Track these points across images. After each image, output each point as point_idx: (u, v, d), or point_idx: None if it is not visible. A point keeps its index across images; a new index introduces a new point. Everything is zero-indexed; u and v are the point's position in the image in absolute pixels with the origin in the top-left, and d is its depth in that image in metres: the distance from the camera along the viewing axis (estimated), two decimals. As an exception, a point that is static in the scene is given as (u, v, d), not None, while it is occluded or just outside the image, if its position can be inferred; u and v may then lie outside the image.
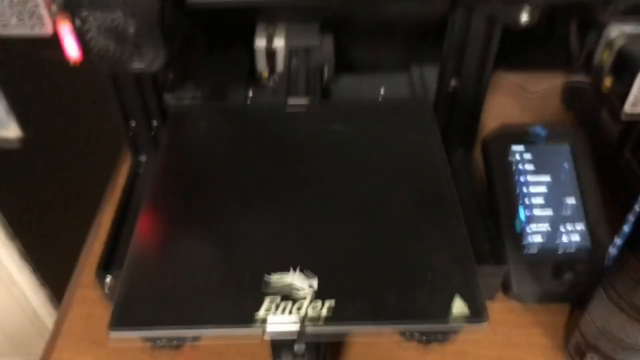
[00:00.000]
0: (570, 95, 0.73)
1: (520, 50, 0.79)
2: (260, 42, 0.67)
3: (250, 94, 0.68)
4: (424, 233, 0.43)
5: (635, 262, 0.39)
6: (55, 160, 0.93)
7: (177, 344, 0.49)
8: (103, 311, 0.54)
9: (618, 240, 0.42)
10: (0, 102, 0.83)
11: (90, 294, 0.56)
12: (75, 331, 0.53)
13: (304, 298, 0.39)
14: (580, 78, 0.70)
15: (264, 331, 0.37)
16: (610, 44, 0.54)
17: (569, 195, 0.55)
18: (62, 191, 0.98)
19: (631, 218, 0.41)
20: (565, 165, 0.56)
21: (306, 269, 0.40)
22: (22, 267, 1.10)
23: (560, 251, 0.52)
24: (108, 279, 0.50)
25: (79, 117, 0.87)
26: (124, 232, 0.54)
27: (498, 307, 0.53)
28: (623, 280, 0.41)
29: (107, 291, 0.53)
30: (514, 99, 0.77)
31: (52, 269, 1.13)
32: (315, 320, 0.38)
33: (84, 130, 0.89)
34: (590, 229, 0.53)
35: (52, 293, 1.19)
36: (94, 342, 0.52)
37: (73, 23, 0.44)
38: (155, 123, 0.59)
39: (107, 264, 0.51)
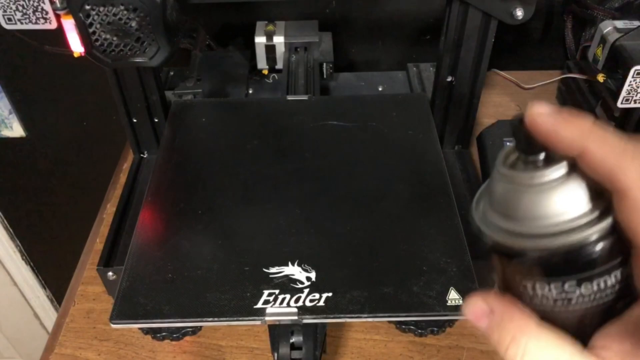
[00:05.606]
0: (565, 92, 0.74)
1: (516, 48, 0.80)
2: (260, 39, 0.67)
3: (251, 91, 0.69)
4: (419, 227, 0.44)
5: None
6: (57, 160, 0.93)
7: (177, 336, 0.49)
8: (104, 307, 0.54)
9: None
10: (4, 102, 0.84)
11: (91, 289, 0.56)
12: (76, 327, 0.53)
13: (302, 290, 0.39)
14: (574, 74, 0.71)
15: (262, 323, 0.38)
16: (604, 40, 0.54)
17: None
18: (64, 192, 0.98)
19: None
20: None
21: (304, 261, 0.41)
22: (22, 267, 1.10)
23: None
24: (109, 275, 0.51)
25: (81, 117, 0.87)
26: (125, 229, 0.54)
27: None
28: None
29: (108, 287, 0.53)
30: (509, 95, 0.77)
31: (52, 269, 1.14)
32: (313, 312, 0.38)
33: (86, 130, 0.89)
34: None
35: (52, 294, 1.19)
36: (95, 338, 0.52)
37: (77, 17, 0.45)
38: (157, 120, 0.60)
39: (108, 260, 0.51)
